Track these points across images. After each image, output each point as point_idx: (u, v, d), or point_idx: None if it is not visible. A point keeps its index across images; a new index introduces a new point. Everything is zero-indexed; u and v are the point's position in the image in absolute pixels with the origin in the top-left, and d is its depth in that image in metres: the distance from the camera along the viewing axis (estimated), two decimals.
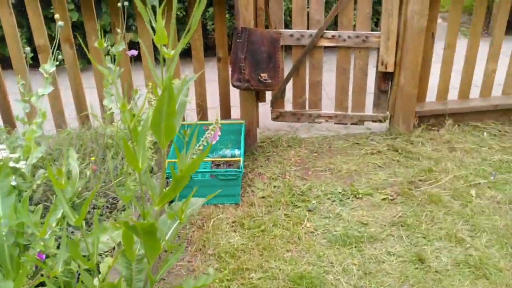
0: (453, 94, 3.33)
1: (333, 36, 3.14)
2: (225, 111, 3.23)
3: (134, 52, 2.64)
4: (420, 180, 2.79)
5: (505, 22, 3.09)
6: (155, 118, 1.36)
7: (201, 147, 1.87)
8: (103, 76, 2.86)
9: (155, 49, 3.91)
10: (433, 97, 3.34)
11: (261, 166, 3.01)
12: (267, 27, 3.08)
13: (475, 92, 3.33)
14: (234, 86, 2.89)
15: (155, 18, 1.22)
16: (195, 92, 3.15)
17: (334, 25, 3.35)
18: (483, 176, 2.78)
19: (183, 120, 3.12)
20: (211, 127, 1.89)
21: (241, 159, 2.65)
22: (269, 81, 2.89)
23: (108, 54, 2.67)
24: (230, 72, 2.92)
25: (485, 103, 3.29)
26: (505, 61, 3.24)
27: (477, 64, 3.19)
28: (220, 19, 2.97)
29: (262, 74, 2.87)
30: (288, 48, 3.28)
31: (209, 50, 4.01)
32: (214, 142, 1.89)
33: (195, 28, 1.35)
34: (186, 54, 4.31)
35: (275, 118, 3.43)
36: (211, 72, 3.26)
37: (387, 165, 2.96)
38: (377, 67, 3.17)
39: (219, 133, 1.91)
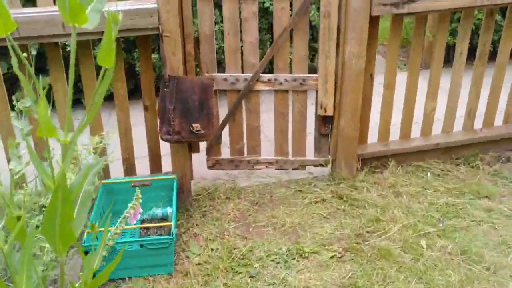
0: (395, 132, 3.22)
1: (269, 80, 2.96)
2: (155, 164, 2.93)
3: None
4: (368, 232, 2.61)
5: (442, 59, 3.04)
6: (47, 223, 1.07)
7: (118, 231, 1.57)
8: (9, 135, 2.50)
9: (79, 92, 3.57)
10: (374, 138, 3.22)
11: (196, 224, 2.73)
12: (198, 74, 2.85)
13: (416, 129, 3.24)
14: (163, 139, 2.61)
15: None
16: (120, 144, 2.83)
17: (270, 67, 3.18)
18: (432, 223, 2.65)
19: (108, 177, 2.83)
20: (130, 205, 1.60)
21: (173, 223, 2.35)
22: (202, 131, 2.64)
23: (13, 109, 2.32)
24: (158, 124, 2.63)
25: (426, 142, 3.21)
26: (444, 96, 3.18)
27: (417, 99, 3.11)
28: (145, 64, 2.70)
29: (194, 125, 2.61)
30: (222, 92, 3.05)
31: (139, 91, 3.71)
32: (134, 222, 1.61)
33: (99, 105, 1.08)
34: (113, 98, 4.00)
35: (211, 167, 3.17)
36: (140, 115, 2.96)
37: (333, 216, 2.77)
38: (316, 110, 3.01)
39: (140, 210, 1.62)
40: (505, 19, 3.02)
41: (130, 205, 1.58)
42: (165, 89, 2.54)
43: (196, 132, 2.61)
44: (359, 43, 2.73)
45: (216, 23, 3.97)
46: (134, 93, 3.82)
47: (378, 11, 2.66)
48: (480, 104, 3.21)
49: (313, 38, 4.27)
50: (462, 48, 3.02)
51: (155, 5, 2.46)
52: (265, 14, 4.19)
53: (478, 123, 3.30)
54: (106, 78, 1.04)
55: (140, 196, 1.59)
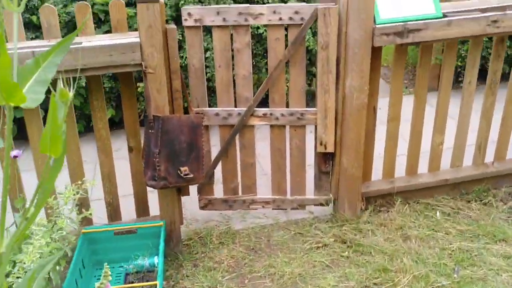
0: (400, 163, 2.99)
1: (264, 114, 2.74)
2: (141, 209, 2.69)
3: (18, 153, 2.08)
4: (375, 284, 2.37)
5: (449, 89, 2.83)
6: None
7: None
8: None
9: None
10: (378, 170, 2.99)
11: (187, 276, 2.48)
12: (186, 110, 2.63)
13: (423, 161, 3.01)
14: (148, 186, 2.38)
15: None
16: (103, 189, 2.60)
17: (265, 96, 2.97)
18: (445, 273, 2.40)
19: (90, 224, 2.58)
20: (97, 284, 1.36)
21: (158, 283, 2.10)
22: (191, 175, 2.41)
23: None
24: (143, 169, 2.40)
25: (435, 178, 2.98)
26: (451, 123, 2.95)
27: (424, 128, 2.89)
28: (128, 102, 2.48)
29: (182, 168, 2.39)
30: (214, 127, 2.84)
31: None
32: None
33: (47, 196, 0.85)
34: (113, 123, 3.78)
35: (203, 207, 2.94)
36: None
37: (336, 264, 2.53)
38: (315, 147, 2.79)
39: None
40: None
41: (97, 285, 1.35)
42: (150, 131, 2.31)
43: (185, 176, 2.38)
44: (361, 76, 2.52)
45: (207, 49, 3.77)
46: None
47: (381, 41, 2.46)
48: (490, 133, 3.00)
49: (311, 62, 4.08)
50: (471, 77, 2.81)
51: (137, 39, 2.25)
52: (260, 39, 4.00)
53: (489, 156, 3.08)
54: (54, 169, 0.81)
55: (109, 273, 1.36)
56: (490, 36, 2.64)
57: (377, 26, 2.43)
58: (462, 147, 3.00)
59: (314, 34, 3.72)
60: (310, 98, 4.37)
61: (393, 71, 2.73)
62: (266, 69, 4.05)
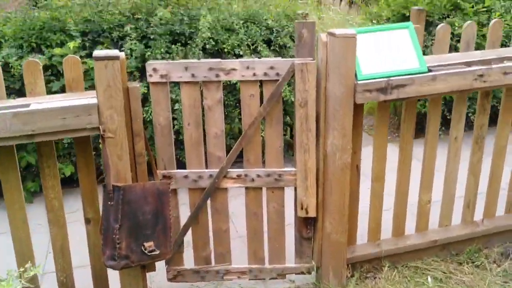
0: (385, 223, 2.76)
1: (238, 176, 2.50)
2: (100, 286, 2.36)
3: None
4: None
5: (436, 146, 2.66)
6: None
7: None
8: None
9: None
10: (363, 234, 2.76)
11: None
12: (150, 170, 2.36)
13: (409, 218, 2.80)
14: (107, 266, 2.07)
15: None
16: (55, 265, 2.27)
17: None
18: None
19: None
20: None
21: None
22: (157, 251, 2.12)
23: None
24: (101, 246, 2.10)
25: (423, 240, 2.77)
26: (437, 177, 2.76)
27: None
28: (85, 169, 2.20)
29: (146, 244, 2.10)
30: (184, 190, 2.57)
31: None
32: None
33: None
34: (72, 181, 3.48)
35: (172, 279, 2.63)
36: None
37: None
38: (295, 211, 2.55)
39: None
40: (501, 101, 2.70)
41: None
42: (109, 202, 2.03)
43: (150, 253, 2.09)
44: (343, 134, 2.32)
45: (176, 101, 3.55)
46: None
47: (363, 98, 2.28)
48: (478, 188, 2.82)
49: (286, 113, 3.90)
50: (457, 132, 2.66)
51: (95, 100, 2.00)
52: (232, 90, 3.81)
53: (478, 212, 2.90)
54: None
55: None
56: (477, 90, 2.50)
57: (359, 82, 2.25)
58: (450, 204, 2.81)
59: (288, 84, 3.55)
60: (286, 149, 4.17)
61: (376, 128, 2.55)
62: (239, 119, 3.84)
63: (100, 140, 2.04)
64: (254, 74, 2.36)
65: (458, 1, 4.39)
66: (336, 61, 2.22)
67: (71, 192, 3.60)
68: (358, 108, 2.37)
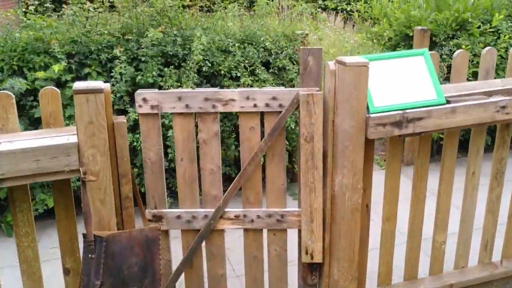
0: (396, 262, 2.51)
1: (236, 216, 2.26)
2: None
3: None
4: None
5: (452, 182, 2.43)
6: None
7: None
8: None
9: None
10: (372, 277, 2.52)
11: None
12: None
13: (424, 261, 2.56)
14: None
15: None
16: None
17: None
18: None
19: None
20: None
21: None
22: None
23: None
24: None
25: (438, 284, 2.53)
26: (453, 217, 2.53)
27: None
28: (64, 215, 1.94)
29: None
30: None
31: None
32: None
33: None
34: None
35: None
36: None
37: None
38: (299, 255, 2.30)
39: None
40: None
41: None
42: (90, 255, 1.77)
43: None
44: (353, 173, 2.09)
45: (170, 127, 3.31)
46: None
47: (376, 133, 2.05)
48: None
49: (288, 140, 3.68)
50: (474, 167, 2.43)
51: (74, 138, 1.75)
52: (228, 114, 3.58)
53: (496, 254, 2.67)
54: None
55: None
56: (498, 123, 2.29)
57: (371, 115, 2.03)
58: (466, 244, 2.58)
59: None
60: (289, 176, 3.95)
61: (388, 165, 2.32)
62: (236, 146, 3.61)
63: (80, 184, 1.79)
64: (255, 105, 2.13)
65: (466, 20, 4.21)
66: (346, 92, 2.00)
67: (55, 224, 3.33)
68: (369, 143, 2.15)
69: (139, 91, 2.11)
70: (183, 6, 3.88)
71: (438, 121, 2.10)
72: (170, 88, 3.29)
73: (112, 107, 2.00)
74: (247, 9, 4.44)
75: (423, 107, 2.09)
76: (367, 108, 2.04)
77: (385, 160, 3.59)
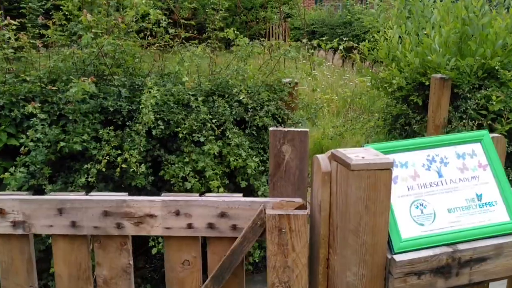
0: None
1: None
2: None
3: None
4: None
5: None
6: None
7: None
8: None
9: None
10: None
11: None
12: None
13: None
14: None
15: None
16: None
17: None
18: None
19: None
20: None
21: None
22: None
23: None
24: None
25: None
26: None
27: None
28: None
29: None
30: None
31: None
32: None
33: None
34: None
35: None
36: None
37: None
38: None
39: None
40: None
41: None
42: None
43: None
44: None
45: None
46: None
47: (404, 287, 1.13)
48: None
49: None
50: None
51: None
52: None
53: None
54: None
55: None
56: None
57: (395, 256, 1.11)
58: None
59: None
60: None
61: None
62: None
63: None
64: (190, 226, 1.22)
65: (494, 67, 3.36)
66: (351, 215, 1.09)
67: None
68: None
69: None
70: (142, 46, 3.01)
71: (505, 262, 1.18)
72: (105, 159, 2.38)
73: None
74: (223, 49, 3.58)
75: (487, 237, 1.17)
76: (389, 243, 1.12)
77: None
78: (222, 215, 1.20)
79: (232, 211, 1.20)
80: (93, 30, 2.32)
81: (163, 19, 2.70)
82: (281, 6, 11.73)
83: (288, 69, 4.31)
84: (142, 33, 2.98)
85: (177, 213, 1.21)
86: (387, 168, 1.06)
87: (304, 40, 3.27)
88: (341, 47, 3.10)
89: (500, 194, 1.22)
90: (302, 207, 1.16)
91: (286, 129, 1.17)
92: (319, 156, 1.15)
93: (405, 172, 1.20)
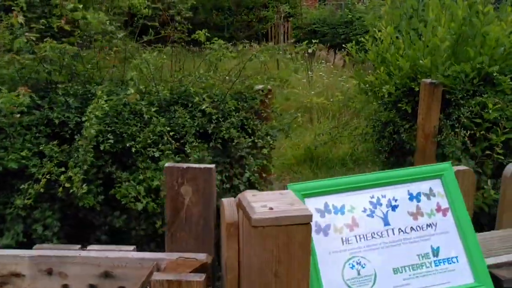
0: None
1: None
2: None
3: None
4: None
5: None
6: None
7: None
8: None
9: None
10: None
11: None
12: None
13: None
14: None
15: None
16: None
17: None
18: None
19: None
20: None
21: None
22: None
23: None
24: None
25: None
26: None
27: None
28: None
29: None
30: None
31: None
32: None
33: None
34: None
35: None
36: None
37: None
38: None
39: None
40: None
41: None
42: None
43: None
44: None
45: None
46: None
47: None
48: None
49: None
50: None
51: None
52: None
53: None
54: None
55: None
56: None
57: None
58: None
59: None
60: None
61: None
62: None
63: None
64: (65, 287, 0.96)
65: (491, 73, 3.06)
66: (256, 284, 0.82)
67: None
68: None
69: None
70: (101, 49, 2.76)
71: None
72: (44, 178, 2.13)
73: None
74: (197, 51, 3.32)
75: None
76: None
77: None
78: (107, 275, 0.94)
79: (118, 270, 0.94)
80: (26, 34, 2.07)
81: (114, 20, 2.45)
82: (282, 5, 11.42)
83: (282, 71, 4.04)
84: (101, 36, 2.73)
85: (50, 272, 0.95)
86: (304, 223, 0.79)
87: (290, 42, 3.01)
88: (309, 50, 2.82)
89: (463, 247, 0.95)
90: (204, 266, 0.90)
91: (185, 165, 0.91)
92: (224, 200, 0.89)
93: (340, 220, 0.93)
